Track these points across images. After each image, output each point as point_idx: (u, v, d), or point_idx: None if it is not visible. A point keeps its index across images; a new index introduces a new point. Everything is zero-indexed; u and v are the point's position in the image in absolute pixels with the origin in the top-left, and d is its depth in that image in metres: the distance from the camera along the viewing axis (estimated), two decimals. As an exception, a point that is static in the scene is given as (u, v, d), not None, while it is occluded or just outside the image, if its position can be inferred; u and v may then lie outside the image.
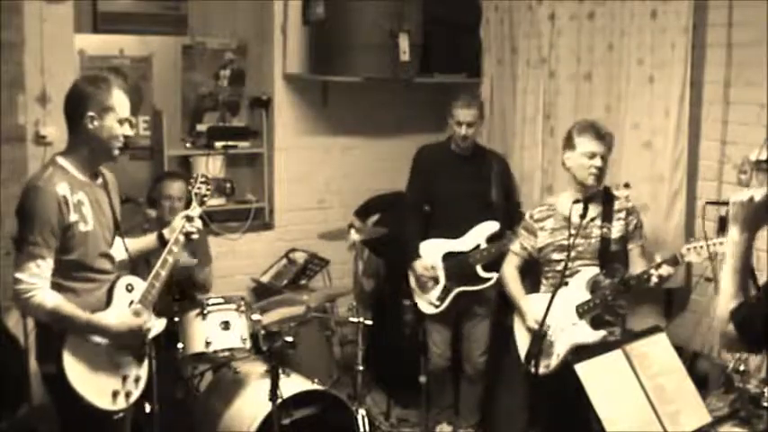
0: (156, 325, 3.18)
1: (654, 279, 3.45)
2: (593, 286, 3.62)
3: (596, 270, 3.63)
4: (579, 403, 2.82)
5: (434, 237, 4.49)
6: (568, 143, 3.67)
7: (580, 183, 3.64)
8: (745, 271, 2.21)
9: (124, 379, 3.02)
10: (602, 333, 3.59)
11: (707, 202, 3.88)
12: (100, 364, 2.95)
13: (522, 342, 3.82)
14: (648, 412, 2.80)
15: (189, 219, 3.24)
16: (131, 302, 3.06)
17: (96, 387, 2.93)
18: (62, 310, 2.86)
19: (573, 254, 3.62)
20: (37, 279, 2.84)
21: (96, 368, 2.94)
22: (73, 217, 2.89)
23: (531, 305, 3.74)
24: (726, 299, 2.19)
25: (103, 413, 2.94)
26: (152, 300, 3.11)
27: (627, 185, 4.02)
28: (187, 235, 3.21)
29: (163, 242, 3.25)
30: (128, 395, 3.03)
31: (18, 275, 2.85)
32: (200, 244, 4.34)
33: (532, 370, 3.57)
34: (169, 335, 3.69)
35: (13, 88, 4.42)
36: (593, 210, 3.65)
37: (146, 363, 3.14)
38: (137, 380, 3.08)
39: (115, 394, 2.97)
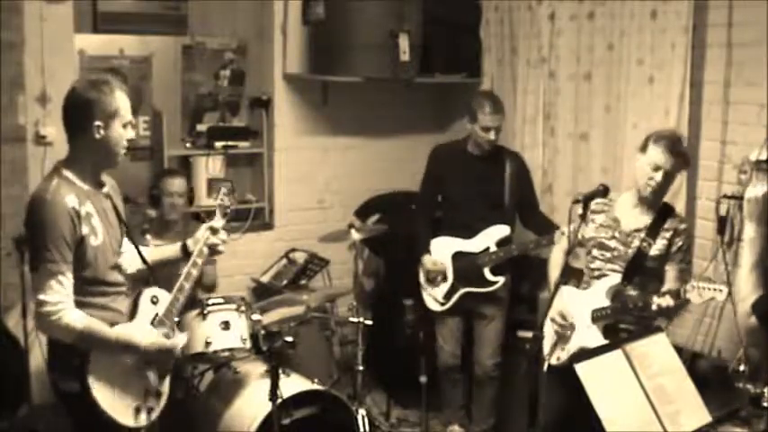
0: (180, 339, 3.07)
1: (653, 308, 3.44)
2: (614, 294, 3.61)
3: (619, 278, 3.62)
4: (580, 404, 2.81)
5: (446, 236, 4.48)
6: (643, 145, 3.57)
7: (638, 188, 3.60)
8: (763, 265, 2.20)
9: (146, 394, 2.93)
10: (606, 342, 3.58)
11: (724, 196, 3.88)
12: (124, 380, 2.86)
13: (548, 330, 3.80)
14: (648, 412, 2.79)
15: (213, 230, 3.12)
16: (156, 315, 2.97)
17: (120, 403, 2.83)
18: (92, 329, 2.76)
19: (608, 255, 3.62)
20: (61, 297, 2.71)
21: (120, 384, 2.84)
22: (84, 230, 2.77)
23: (559, 297, 3.72)
24: (745, 296, 2.18)
25: (125, 430, 2.85)
26: (176, 313, 3.02)
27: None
28: (212, 247, 3.10)
29: (186, 252, 3.14)
30: (149, 411, 2.94)
31: (41, 297, 2.70)
32: None
33: (546, 364, 3.60)
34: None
35: (13, 88, 4.42)
36: (643, 221, 3.63)
37: (168, 378, 3.03)
38: (158, 395, 2.99)
39: (138, 410, 2.88)
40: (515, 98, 5.22)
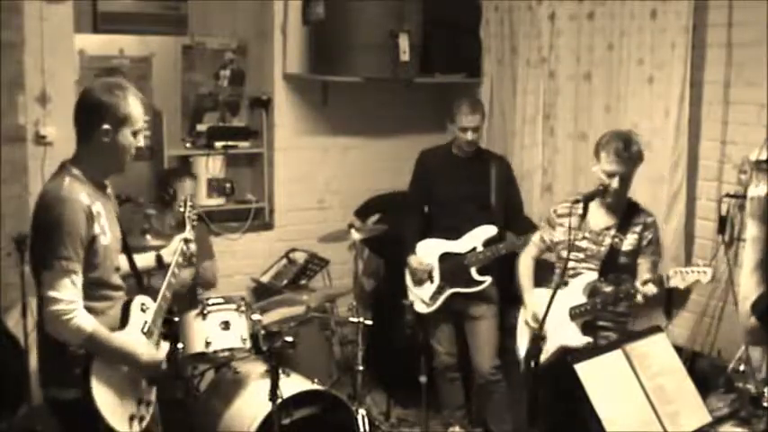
0: (163, 348, 3.07)
1: (639, 297, 3.45)
2: (591, 291, 3.63)
3: (596, 275, 3.63)
4: (575, 402, 2.82)
5: (433, 238, 4.49)
6: (596, 152, 3.63)
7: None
8: (766, 265, 2.21)
9: (139, 403, 2.92)
10: (587, 339, 3.60)
11: (726, 195, 3.90)
12: (121, 388, 2.84)
13: (522, 334, 3.83)
14: (648, 412, 2.79)
15: (186, 241, 3.22)
16: (145, 323, 2.95)
17: (118, 411, 2.80)
18: (99, 334, 2.73)
19: (581, 256, 3.64)
20: (74, 297, 2.68)
21: (119, 392, 2.82)
22: (96, 229, 2.76)
23: (534, 299, 3.75)
24: (747, 295, 2.19)
25: None
26: (161, 322, 3.02)
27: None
28: (187, 258, 3.22)
29: (160, 263, 3.20)
30: (141, 419, 2.92)
31: (54, 295, 2.65)
32: (203, 241, 4.35)
33: (533, 367, 3.59)
34: (169, 335, 3.68)
35: (13, 88, 4.42)
36: (611, 218, 3.65)
37: (155, 387, 3.03)
38: (148, 404, 2.98)
39: (131, 418, 2.86)
40: (515, 98, 5.22)
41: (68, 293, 2.67)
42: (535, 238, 3.97)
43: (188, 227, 3.30)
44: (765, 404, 3.34)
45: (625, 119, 4.50)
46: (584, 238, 3.66)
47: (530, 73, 5.11)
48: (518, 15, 5.17)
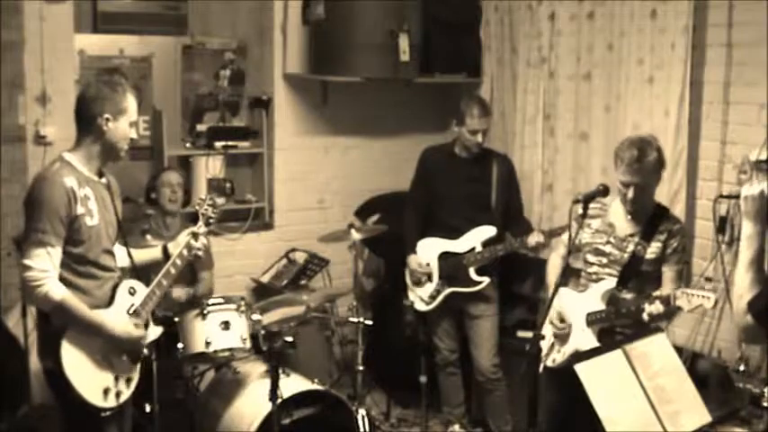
0: (153, 332, 3.22)
1: (645, 316, 3.41)
2: (610, 299, 3.61)
3: (614, 282, 3.61)
4: (579, 403, 2.81)
5: (434, 237, 4.49)
6: (614, 159, 3.54)
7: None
8: (760, 263, 2.23)
9: (116, 378, 3.06)
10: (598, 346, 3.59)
11: (720, 196, 3.89)
12: (95, 360, 2.99)
13: (546, 333, 3.80)
14: (648, 412, 2.80)
15: (195, 236, 3.32)
16: (132, 305, 3.11)
17: (88, 381, 2.96)
18: (68, 304, 2.90)
19: (605, 261, 3.61)
20: (47, 267, 2.87)
21: (91, 363, 2.98)
22: (80, 209, 2.94)
23: (557, 299, 3.70)
24: (742, 293, 2.21)
25: (93, 408, 2.97)
26: (152, 306, 3.18)
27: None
28: (191, 250, 3.30)
29: (167, 256, 3.32)
30: (118, 394, 3.05)
31: (27, 262, 2.88)
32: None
33: (543, 365, 3.58)
34: (169, 335, 3.69)
35: (13, 88, 4.42)
36: (635, 226, 3.62)
37: (139, 366, 3.18)
38: (128, 381, 3.11)
39: (106, 391, 3.01)
40: (515, 98, 5.22)
41: (41, 263, 2.87)
42: (564, 238, 3.94)
43: (200, 222, 3.40)
44: (765, 404, 3.35)
45: (625, 119, 4.50)
46: (608, 242, 3.62)
47: (530, 73, 5.11)
48: (518, 15, 5.17)
